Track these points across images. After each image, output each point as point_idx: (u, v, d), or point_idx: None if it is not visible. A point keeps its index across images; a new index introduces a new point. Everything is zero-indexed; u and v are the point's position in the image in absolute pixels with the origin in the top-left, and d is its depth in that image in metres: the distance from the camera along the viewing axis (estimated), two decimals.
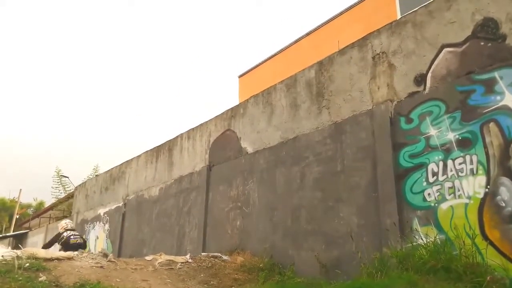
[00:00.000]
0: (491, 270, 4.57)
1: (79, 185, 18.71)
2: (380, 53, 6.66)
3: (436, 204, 5.43)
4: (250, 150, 8.89)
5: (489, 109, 5.15)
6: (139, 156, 13.69)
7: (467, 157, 5.26)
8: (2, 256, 5.40)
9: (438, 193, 5.44)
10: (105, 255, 6.61)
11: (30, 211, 42.93)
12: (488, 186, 4.98)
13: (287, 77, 8.47)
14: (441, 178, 5.46)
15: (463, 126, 5.37)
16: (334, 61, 7.47)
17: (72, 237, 8.28)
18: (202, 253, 8.20)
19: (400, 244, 5.45)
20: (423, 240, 5.29)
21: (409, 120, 6.00)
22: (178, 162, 11.46)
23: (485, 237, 4.88)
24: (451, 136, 5.46)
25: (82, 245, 8.21)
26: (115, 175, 15.02)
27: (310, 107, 7.69)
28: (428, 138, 5.71)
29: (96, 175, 18.52)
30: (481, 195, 5.03)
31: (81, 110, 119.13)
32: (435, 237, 5.19)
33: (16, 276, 4.75)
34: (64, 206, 24.37)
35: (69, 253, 6.27)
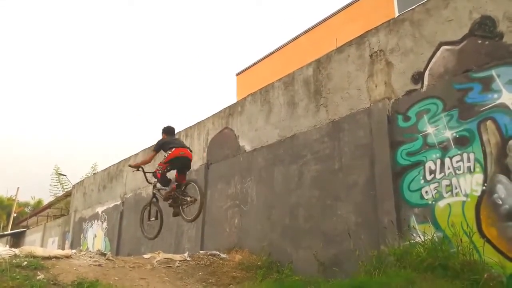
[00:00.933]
0: (488, 267, 4.60)
1: (77, 183, 18.67)
2: (378, 51, 6.67)
3: (434, 202, 5.45)
4: (248, 148, 8.89)
5: (486, 107, 5.16)
6: (137, 154, 13.66)
7: (465, 155, 5.27)
8: (0, 254, 5.39)
9: (436, 191, 5.46)
10: (103, 254, 6.61)
11: (27, 209, 42.82)
12: (485, 184, 5.00)
13: (285, 75, 8.47)
14: (438, 176, 5.48)
15: (460, 124, 5.38)
16: (332, 59, 7.47)
17: None
18: (200, 251, 8.21)
19: (397, 242, 5.47)
20: (420, 237, 5.30)
21: (407, 118, 6.01)
22: None
23: (482, 234, 4.90)
24: (449, 134, 5.48)
25: None
26: (113, 173, 15.00)
27: (308, 105, 7.69)
28: (425, 136, 5.73)
29: (94, 174, 18.48)
30: (478, 193, 5.05)
31: (81, 110, 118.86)
32: (432, 234, 5.21)
33: (14, 274, 4.74)
34: (62, 204, 24.31)
35: (67, 252, 6.27)
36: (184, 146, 6.44)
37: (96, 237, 15.08)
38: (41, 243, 20.96)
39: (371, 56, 6.76)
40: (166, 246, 10.09)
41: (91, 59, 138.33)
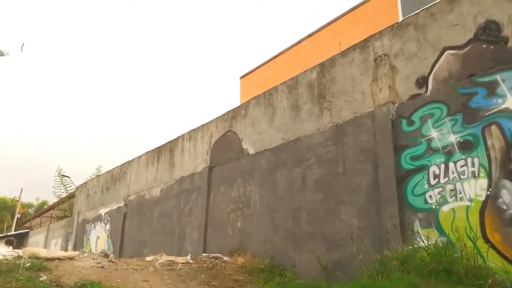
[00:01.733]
0: (492, 273, 4.57)
1: (80, 185, 18.74)
2: (382, 55, 6.67)
3: (438, 207, 5.42)
4: (251, 151, 8.89)
5: (490, 112, 5.14)
6: (140, 157, 13.71)
7: (469, 160, 5.25)
8: (4, 255, 5.41)
9: (440, 195, 5.43)
10: (106, 255, 6.63)
11: (31, 210, 42.99)
12: (490, 189, 4.98)
13: (289, 78, 8.48)
14: (442, 180, 5.46)
15: (464, 128, 5.36)
16: (336, 63, 7.48)
17: None
18: (203, 254, 8.21)
19: (401, 247, 5.44)
20: (424, 242, 5.28)
21: (411, 123, 6.00)
22: (179, 162, 11.47)
23: (486, 239, 4.87)
24: (453, 138, 5.46)
25: None
26: (116, 176, 15.04)
27: (312, 108, 7.69)
28: (429, 141, 5.71)
29: (97, 175, 18.55)
30: (482, 198, 5.02)
31: (85, 111, 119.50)
32: (436, 239, 5.18)
33: (18, 275, 4.76)
34: (65, 206, 24.42)
35: (70, 253, 6.29)
36: None
37: (99, 238, 15.10)
38: (44, 244, 21.03)
39: (375, 60, 6.76)
40: (169, 249, 10.11)
41: (96, 61, 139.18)
